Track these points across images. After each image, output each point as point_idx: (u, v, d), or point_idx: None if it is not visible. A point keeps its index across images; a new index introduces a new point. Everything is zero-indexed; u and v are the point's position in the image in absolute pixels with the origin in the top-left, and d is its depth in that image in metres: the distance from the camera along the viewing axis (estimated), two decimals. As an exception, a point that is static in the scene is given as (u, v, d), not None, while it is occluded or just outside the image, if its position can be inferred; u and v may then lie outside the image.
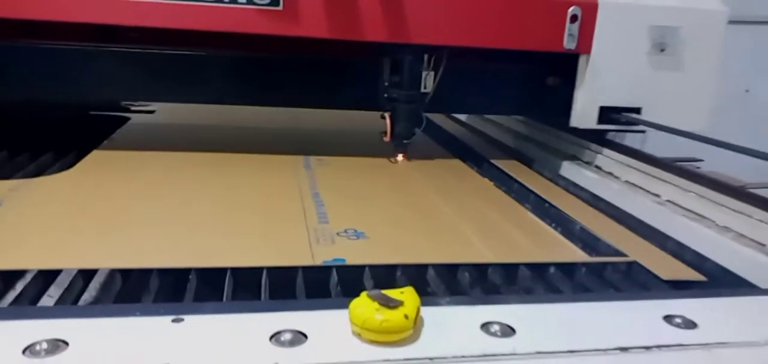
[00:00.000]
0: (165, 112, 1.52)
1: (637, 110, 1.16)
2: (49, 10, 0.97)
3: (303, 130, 1.49)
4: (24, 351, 0.43)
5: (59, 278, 0.60)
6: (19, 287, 0.59)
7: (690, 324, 0.55)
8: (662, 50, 1.13)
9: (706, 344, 0.52)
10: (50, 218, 0.78)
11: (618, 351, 0.50)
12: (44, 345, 0.44)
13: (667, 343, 0.52)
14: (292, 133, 1.47)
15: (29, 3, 0.96)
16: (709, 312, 0.57)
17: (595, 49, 1.12)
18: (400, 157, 1.20)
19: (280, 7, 1.02)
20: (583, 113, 1.15)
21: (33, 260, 0.63)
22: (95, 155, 1.09)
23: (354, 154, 1.22)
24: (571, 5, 1.10)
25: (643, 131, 1.25)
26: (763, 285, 0.70)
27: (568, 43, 1.11)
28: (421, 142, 1.23)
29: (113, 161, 1.06)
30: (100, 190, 0.91)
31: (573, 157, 1.23)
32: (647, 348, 0.51)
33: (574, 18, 1.10)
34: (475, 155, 1.30)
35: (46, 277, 0.61)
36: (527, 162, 1.25)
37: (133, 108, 1.54)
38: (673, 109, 1.16)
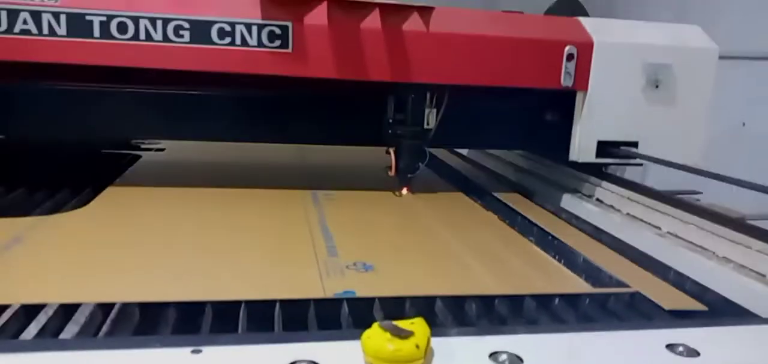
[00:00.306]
0: (174, 150, 1.55)
1: (635, 144, 1.20)
2: (70, 54, 1.01)
3: (309, 165, 1.52)
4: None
5: (80, 312, 0.62)
6: (42, 319, 0.61)
7: (692, 352, 0.56)
8: (656, 86, 1.17)
9: (709, 373, 0.54)
10: (69, 254, 0.80)
11: (622, 379, 0.52)
12: (71, 376, 0.46)
13: (670, 371, 0.53)
14: (298, 168, 1.50)
15: (51, 47, 1.00)
16: (711, 341, 0.59)
17: (592, 86, 1.16)
18: (404, 190, 1.23)
19: (290, 50, 1.06)
20: (582, 147, 1.19)
21: (54, 294, 0.65)
22: (110, 192, 1.11)
23: (360, 188, 1.25)
24: (568, 44, 1.14)
25: (640, 164, 1.28)
26: (763, 314, 0.72)
27: (566, 81, 1.15)
28: (424, 175, 1.26)
29: (127, 198, 1.09)
30: (116, 226, 0.94)
31: (573, 190, 1.26)
32: (651, 376, 0.52)
33: (570, 57, 1.14)
34: (477, 188, 1.32)
35: (67, 310, 0.63)
36: (528, 195, 1.28)
37: (143, 146, 1.57)
38: (668, 142, 1.20)
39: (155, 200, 1.09)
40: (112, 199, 1.08)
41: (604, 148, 1.19)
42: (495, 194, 1.25)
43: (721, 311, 0.72)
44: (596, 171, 1.25)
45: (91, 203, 1.04)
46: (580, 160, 1.20)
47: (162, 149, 1.57)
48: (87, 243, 0.85)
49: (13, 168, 1.23)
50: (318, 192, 1.19)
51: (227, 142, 1.38)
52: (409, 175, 1.23)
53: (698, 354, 0.56)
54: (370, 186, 1.25)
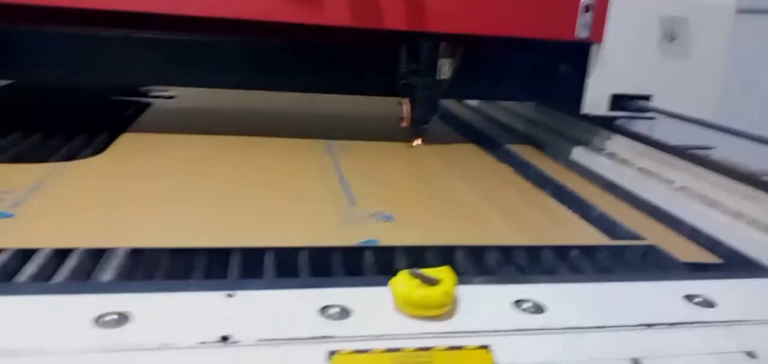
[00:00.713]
0: (184, 97, 1.55)
1: (648, 97, 1.19)
2: None
3: (320, 114, 1.52)
4: (95, 321, 0.47)
5: (111, 256, 0.63)
6: (71, 263, 0.62)
7: (709, 303, 0.58)
8: (672, 40, 1.17)
9: (726, 322, 0.55)
10: (92, 200, 0.81)
11: (643, 327, 0.54)
12: (115, 316, 0.47)
13: (689, 320, 0.55)
14: (309, 117, 1.50)
15: None
16: (727, 292, 0.60)
17: (607, 38, 1.15)
18: (418, 141, 1.24)
19: None
20: (595, 101, 1.18)
21: (82, 239, 0.66)
22: (125, 139, 1.12)
23: (372, 138, 1.26)
24: None
25: (652, 118, 1.28)
26: (776, 268, 0.73)
27: (581, 33, 1.14)
28: (436, 127, 1.26)
29: (142, 145, 1.09)
30: (136, 172, 0.95)
31: (584, 143, 1.26)
32: (670, 325, 0.54)
33: (587, 8, 1.13)
34: (489, 140, 1.33)
35: (96, 255, 0.64)
36: (540, 147, 1.28)
37: (152, 93, 1.57)
38: (682, 97, 1.19)
39: (170, 148, 1.10)
40: (127, 146, 1.08)
41: (618, 101, 1.18)
42: (507, 146, 1.26)
43: (734, 263, 0.74)
44: (606, 124, 1.25)
45: (107, 150, 1.04)
46: (592, 114, 1.20)
47: (172, 97, 1.56)
48: (108, 190, 0.86)
49: (24, 113, 1.23)
50: (332, 142, 1.19)
51: (238, 90, 1.38)
52: (423, 127, 1.23)
53: (715, 305, 0.58)
54: (382, 136, 1.26)
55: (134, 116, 1.35)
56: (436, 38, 1.17)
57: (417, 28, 1.11)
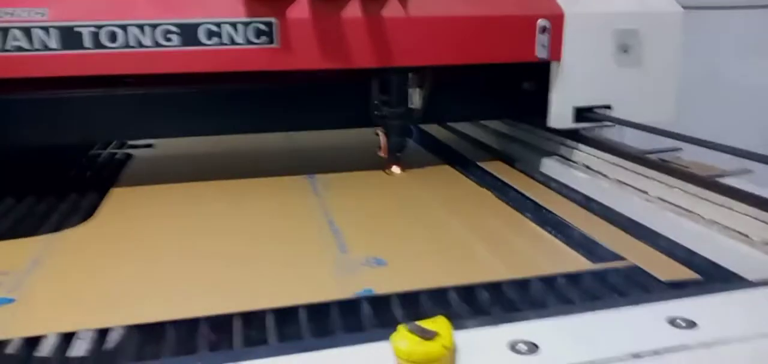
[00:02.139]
0: (163, 144, 1.56)
1: (608, 107, 1.26)
2: (63, 67, 1.02)
3: (299, 149, 1.55)
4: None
5: (115, 334, 0.65)
6: (81, 347, 0.63)
7: (691, 324, 0.61)
8: (626, 51, 1.24)
9: (707, 343, 0.59)
10: (90, 274, 0.82)
11: (631, 358, 0.57)
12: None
13: (673, 345, 0.58)
14: (289, 153, 1.53)
15: (44, 61, 1.01)
16: (707, 310, 0.64)
17: (565, 55, 1.22)
18: (395, 168, 1.29)
19: (276, 45, 1.09)
20: (559, 114, 1.26)
21: (86, 320, 0.67)
22: (113, 198, 1.13)
23: (352, 168, 1.30)
24: (540, 18, 1.19)
25: (612, 126, 1.35)
26: (749, 276, 0.77)
27: (540, 53, 1.21)
28: (410, 149, 1.32)
29: (132, 203, 1.11)
30: (130, 238, 0.96)
31: (554, 154, 1.32)
32: (657, 352, 0.57)
33: (543, 29, 1.20)
34: (463, 160, 1.39)
35: (102, 335, 0.66)
36: (511, 162, 1.35)
37: (130, 143, 1.58)
38: (641, 103, 1.27)
39: (159, 202, 1.11)
40: (117, 206, 1.10)
41: (580, 113, 1.25)
42: (482, 165, 1.32)
43: (711, 276, 0.78)
44: (575, 135, 1.31)
45: (98, 213, 1.05)
46: (557, 127, 1.27)
47: (150, 145, 1.57)
48: (105, 263, 0.86)
49: (5, 180, 1.23)
50: (316, 181, 1.22)
51: (219, 135, 1.40)
52: (398, 154, 1.28)
53: (696, 325, 0.61)
54: (361, 166, 1.30)
55: (117, 169, 1.36)
56: (405, 70, 1.23)
57: (385, 65, 1.16)
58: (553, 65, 1.23)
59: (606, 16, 1.22)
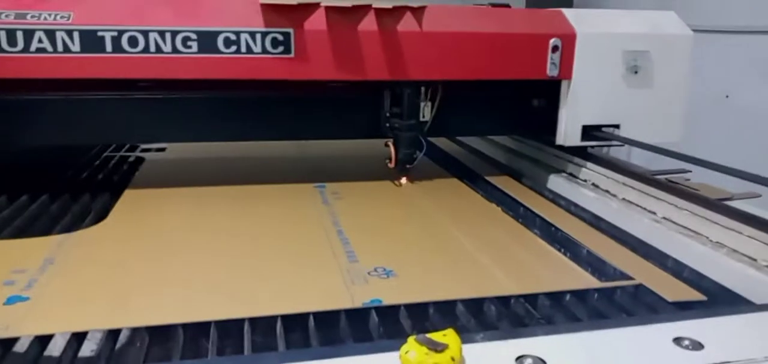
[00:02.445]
0: (175, 148, 1.57)
1: (617, 126, 1.28)
2: (85, 69, 1.05)
3: (310, 158, 1.56)
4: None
5: (126, 336, 0.66)
6: (91, 346, 0.65)
7: (697, 345, 0.62)
8: (636, 72, 1.26)
9: (713, 364, 0.59)
10: (102, 275, 0.83)
11: (638, 377, 0.57)
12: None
13: (679, 366, 0.59)
14: (300, 161, 1.54)
15: (66, 63, 1.04)
16: (713, 332, 0.64)
17: (576, 74, 1.23)
18: (403, 180, 1.30)
19: (292, 55, 1.11)
20: (568, 132, 1.27)
21: (98, 320, 0.69)
22: (125, 200, 1.14)
23: (361, 178, 1.31)
24: (553, 37, 1.21)
25: (621, 145, 1.36)
26: (755, 299, 0.78)
27: (551, 71, 1.22)
28: (419, 162, 1.32)
29: (143, 205, 1.12)
30: (142, 240, 0.97)
31: (561, 171, 1.33)
32: (663, 372, 0.58)
33: (555, 49, 1.22)
34: (471, 174, 1.40)
35: (113, 335, 0.67)
36: (518, 178, 1.36)
37: (143, 147, 1.60)
38: (649, 123, 1.29)
39: (170, 207, 1.13)
40: (129, 208, 1.11)
41: (588, 131, 1.27)
42: (490, 180, 1.33)
43: (717, 298, 0.78)
44: (582, 152, 1.32)
45: (111, 215, 1.07)
46: (566, 144, 1.28)
47: (163, 149, 1.59)
48: (118, 264, 0.88)
49: (20, 179, 1.25)
50: (325, 190, 1.23)
51: (232, 142, 1.42)
52: (408, 166, 1.29)
53: (702, 347, 0.62)
54: (370, 177, 1.31)
55: (130, 172, 1.37)
56: (417, 84, 1.24)
57: (398, 78, 1.18)
58: (564, 84, 1.25)
59: (617, 37, 1.24)
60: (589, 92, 1.25)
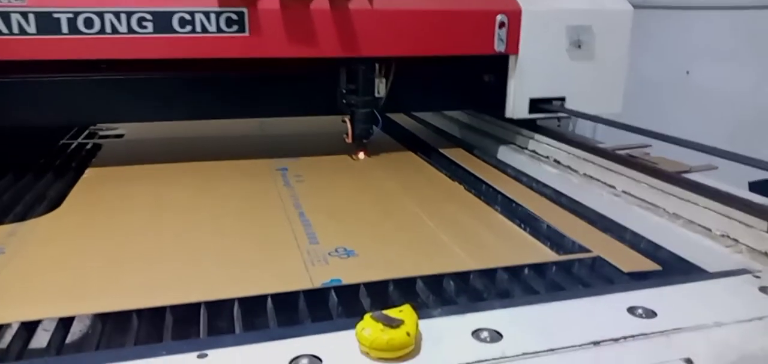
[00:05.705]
0: (133, 132, 1.55)
1: (562, 99, 1.33)
2: (41, 51, 1.03)
3: (269, 134, 1.58)
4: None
5: (80, 324, 0.64)
6: (42, 336, 0.63)
7: (650, 313, 0.63)
8: (579, 46, 1.30)
9: (665, 331, 0.60)
10: (56, 263, 0.81)
11: (591, 345, 0.58)
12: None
13: (632, 333, 0.60)
14: (260, 138, 1.55)
15: (22, 45, 1.02)
16: (666, 300, 0.65)
17: (522, 49, 1.27)
18: (361, 154, 1.34)
19: (247, 34, 1.11)
20: (516, 105, 1.32)
21: (50, 308, 0.67)
22: (81, 187, 1.12)
23: (320, 153, 1.35)
24: (499, 13, 1.24)
25: (566, 117, 1.39)
26: (708, 268, 0.79)
27: (498, 46, 1.26)
28: (376, 136, 1.36)
29: (99, 193, 1.10)
30: (96, 226, 0.95)
31: (511, 143, 1.39)
32: (616, 340, 0.59)
33: (502, 24, 1.25)
34: (425, 146, 1.44)
35: (66, 324, 0.65)
36: (470, 149, 1.41)
37: (101, 133, 1.56)
38: (592, 95, 1.34)
39: (128, 192, 1.10)
40: (85, 194, 1.08)
41: (535, 104, 1.31)
42: (443, 152, 1.37)
43: (673, 268, 0.80)
44: (531, 124, 1.36)
45: (66, 202, 1.04)
46: (514, 117, 1.32)
47: (121, 135, 1.56)
48: (71, 249, 0.86)
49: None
50: (284, 162, 1.26)
51: (191, 120, 1.41)
52: (364, 140, 1.33)
53: (655, 314, 0.63)
54: (329, 152, 1.35)
55: (87, 158, 1.35)
56: (371, 61, 1.27)
57: (352, 55, 1.20)
58: (511, 58, 1.28)
59: (561, 12, 1.28)
60: (535, 67, 1.29)
